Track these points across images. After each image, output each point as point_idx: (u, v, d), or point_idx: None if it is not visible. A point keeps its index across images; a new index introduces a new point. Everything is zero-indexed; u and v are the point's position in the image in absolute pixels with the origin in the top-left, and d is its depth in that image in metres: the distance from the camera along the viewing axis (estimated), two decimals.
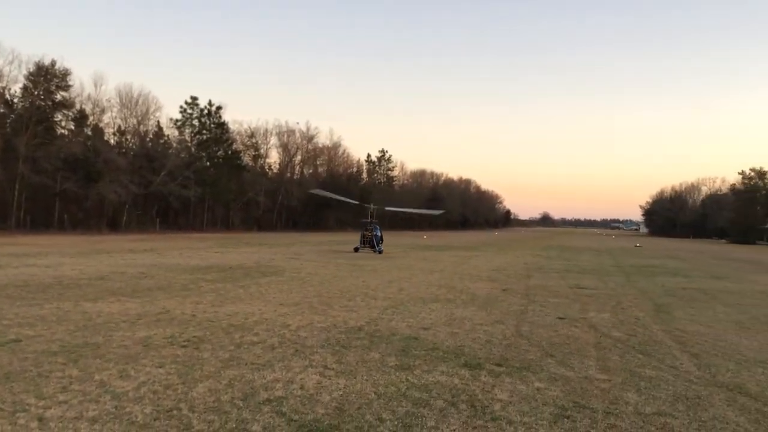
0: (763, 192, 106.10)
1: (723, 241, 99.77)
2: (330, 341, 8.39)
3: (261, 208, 79.76)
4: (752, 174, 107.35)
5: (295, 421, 5.10)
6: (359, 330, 9.33)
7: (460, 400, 5.83)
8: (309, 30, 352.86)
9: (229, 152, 72.86)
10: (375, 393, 5.98)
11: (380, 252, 31.68)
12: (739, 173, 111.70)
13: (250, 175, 78.29)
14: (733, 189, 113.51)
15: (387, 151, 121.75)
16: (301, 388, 6.06)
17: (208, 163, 70.59)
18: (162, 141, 67.82)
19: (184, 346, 7.77)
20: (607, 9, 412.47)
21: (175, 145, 69.11)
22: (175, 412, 5.25)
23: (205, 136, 70.21)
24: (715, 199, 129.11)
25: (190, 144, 70.15)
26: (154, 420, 5.04)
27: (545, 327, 10.22)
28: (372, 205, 35.02)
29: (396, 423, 5.15)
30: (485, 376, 6.77)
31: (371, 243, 32.36)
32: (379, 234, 32.92)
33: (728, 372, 7.36)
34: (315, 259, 25.61)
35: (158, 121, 67.20)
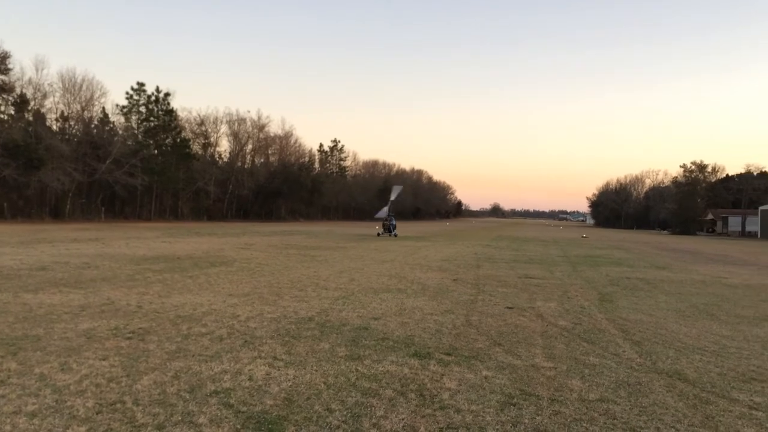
0: (703, 185, 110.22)
1: (665, 232, 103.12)
2: (280, 332, 8.33)
3: (211, 198, 78.52)
4: (693, 167, 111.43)
5: (242, 412, 5.04)
6: (310, 320, 9.29)
7: (409, 390, 5.86)
8: (260, 19, 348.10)
9: (178, 140, 71.29)
10: (324, 383, 5.96)
11: (395, 236, 42.89)
12: (680, 166, 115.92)
13: (200, 163, 76.90)
14: (674, 182, 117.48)
15: (339, 141, 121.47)
16: (250, 379, 5.99)
17: (155, 151, 68.92)
18: (107, 128, 65.92)
19: (129, 338, 7.59)
20: (553, 4, 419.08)
21: (121, 132, 67.19)
22: (118, 405, 5.12)
23: (152, 124, 68.53)
24: (657, 192, 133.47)
25: (136, 131, 68.36)
26: (97, 414, 4.90)
27: (494, 316, 10.37)
28: (390, 204, 46.38)
29: (345, 413, 5.14)
30: (434, 365, 6.83)
31: (389, 230, 44.17)
32: (394, 223, 45.16)
33: (668, 359, 7.60)
34: (266, 249, 25.37)
35: (103, 108, 65.38)
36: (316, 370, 6.40)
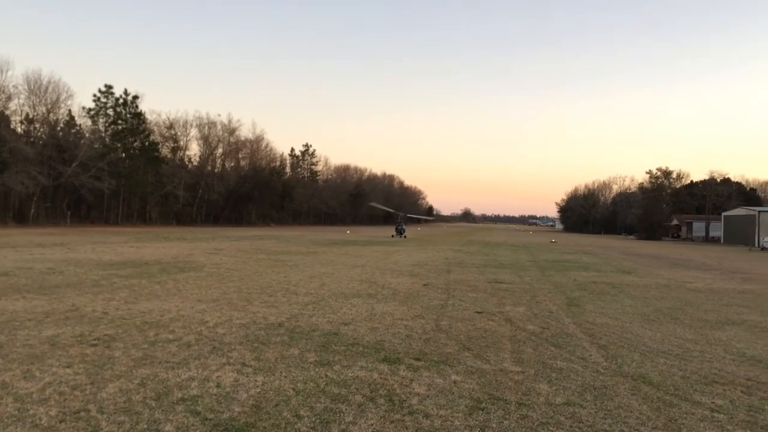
0: (668, 191, 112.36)
1: (631, 237, 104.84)
2: (249, 338, 8.27)
3: (180, 202, 77.67)
4: (658, 173, 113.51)
5: (210, 420, 4.99)
6: (279, 326, 9.24)
7: (379, 395, 5.86)
8: (230, 22, 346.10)
9: (146, 143, 70.39)
10: (293, 390, 5.93)
11: (405, 237, 54.38)
12: (646, 172, 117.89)
13: (169, 167, 75.97)
14: (641, 187, 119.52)
15: (311, 146, 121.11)
16: (218, 386, 5.94)
17: (123, 155, 68.00)
18: (74, 131, 64.78)
19: (94, 345, 7.46)
20: (522, 12, 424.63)
21: (87, 135, 66.09)
22: (82, 413, 5.03)
23: (120, 127, 67.59)
24: (624, 197, 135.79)
25: (104, 134, 67.33)
26: (60, 422, 4.81)
27: (463, 321, 10.43)
28: (400, 213, 59.90)
29: (314, 419, 5.13)
30: (404, 370, 6.85)
31: (400, 232, 55.96)
32: (404, 227, 57.28)
33: (633, 362, 7.72)
34: (235, 254, 25.16)
35: (70, 110, 64.25)
36: (285, 377, 6.37)
